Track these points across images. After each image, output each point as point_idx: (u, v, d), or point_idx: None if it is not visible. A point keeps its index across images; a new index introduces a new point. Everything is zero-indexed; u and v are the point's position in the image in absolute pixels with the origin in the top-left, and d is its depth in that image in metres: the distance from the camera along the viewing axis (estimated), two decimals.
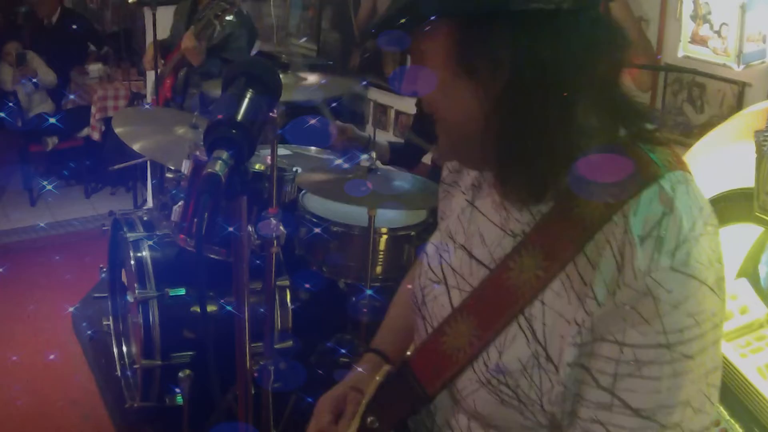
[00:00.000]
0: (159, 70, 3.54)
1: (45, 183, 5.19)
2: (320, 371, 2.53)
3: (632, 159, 0.74)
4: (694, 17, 2.12)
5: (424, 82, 0.78)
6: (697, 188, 0.75)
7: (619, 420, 0.72)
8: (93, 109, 5.16)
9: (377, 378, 0.98)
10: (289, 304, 2.36)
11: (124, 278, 2.50)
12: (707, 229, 0.72)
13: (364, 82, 3.64)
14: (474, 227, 0.90)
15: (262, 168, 1.86)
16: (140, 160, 3.57)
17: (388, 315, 1.19)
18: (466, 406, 0.86)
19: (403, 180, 2.31)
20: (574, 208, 0.75)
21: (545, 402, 0.78)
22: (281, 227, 1.51)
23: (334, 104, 2.94)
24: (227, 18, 3.10)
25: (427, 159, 2.66)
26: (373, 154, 2.28)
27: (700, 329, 0.70)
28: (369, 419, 0.95)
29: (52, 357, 3.07)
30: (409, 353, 0.98)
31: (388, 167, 2.51)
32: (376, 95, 3.67)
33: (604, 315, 0.72)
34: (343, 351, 2.59)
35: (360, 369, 1.10)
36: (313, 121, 2.42)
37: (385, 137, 3.47)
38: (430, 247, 0.99)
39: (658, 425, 0.71)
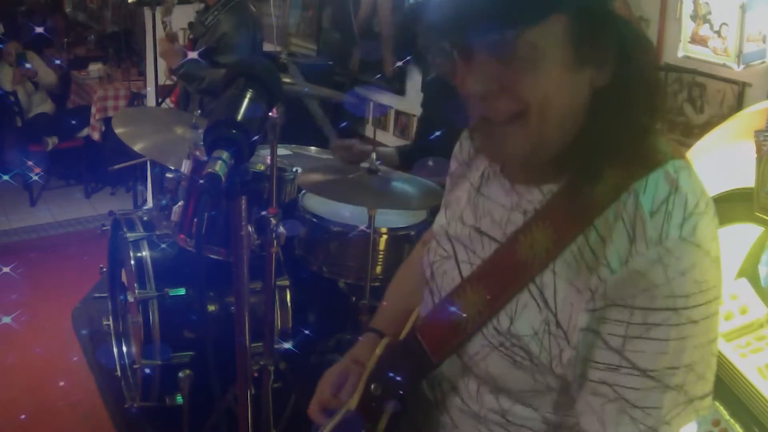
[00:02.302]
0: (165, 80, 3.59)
1: (45, 183, 5.19)
2: (320, 371, 2.53)
3: (645, 146, 0.80)
4: (694, 17, 2.12)
5: (533, 77, 0.76)
6: (696, 175, 0.81)
7: (627, 380, 0.76)
8: (93, 109, 5.17)
9: (378, 350, 1.02)
10: (289, 304, 2.36)
11: (124, 278, 2.50)
12: (708, 209, 0.78)
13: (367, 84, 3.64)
14: (483, 210, 0.94)
15: (262, 168, 1.86)
16: (140, 160, 3.57)
17: (387, 297, 1.23)
18: (478, 370, 0.90)
19: (403, 180, 2.31)
20: (584, 186, 0.80)
21: (555, 365, 0.82)
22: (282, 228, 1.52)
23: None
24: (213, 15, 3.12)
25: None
26: (374, 155, 2.28)
27: (705, 297, 0.75)
28: (372, 386, 0.98)
29: (52, 357, 3.07)
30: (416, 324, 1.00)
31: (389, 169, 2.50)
32: (376, 95, 3.67)
33: (617, 281, 0.76)
34: (343, 351, 2.59)
35: (358, 345, 1.15)
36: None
37: (386, 140, 3.48)
38: (436, 228, 1.03)
39: (662, 386, 0.75)
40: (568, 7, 0.74)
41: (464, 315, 0.88)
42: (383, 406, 0.96)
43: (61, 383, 2.90)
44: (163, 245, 2.32)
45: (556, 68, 0.76)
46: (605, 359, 0.77)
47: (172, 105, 3.85)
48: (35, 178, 5.09)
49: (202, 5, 3.36)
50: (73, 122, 5.32)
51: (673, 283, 0.73)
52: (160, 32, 3.49)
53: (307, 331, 2.46)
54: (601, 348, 0.77)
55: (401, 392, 0.96)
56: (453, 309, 0.90)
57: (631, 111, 0.79)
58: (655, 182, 0.77)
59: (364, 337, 1.17)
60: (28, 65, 5.20)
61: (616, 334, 0.76)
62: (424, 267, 1.02)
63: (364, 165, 2.28)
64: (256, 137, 0.87)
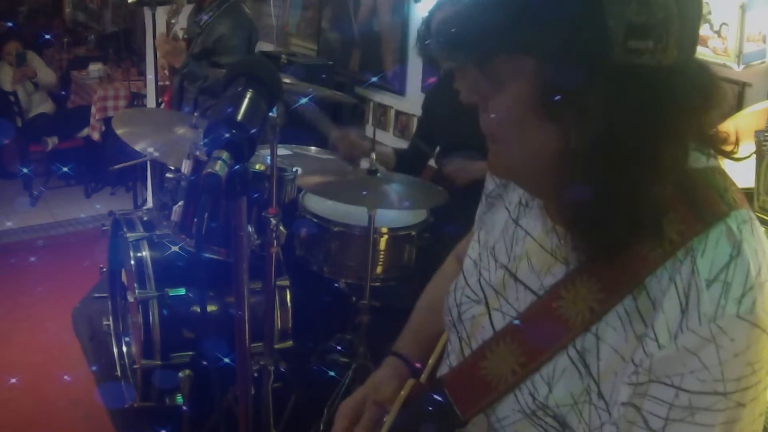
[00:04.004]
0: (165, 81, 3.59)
1: (45, 183, 5.19)
2: (320, 371, 2.53)
3: (702, 195, 0.72)
4: None
5: (498, 112, 0.73)
6: (760, 228, 0.74)
7: None
8: (93, 109, 5.17)
9: (402, 393, 0.95)
10: (289, 304, 2.36)
11: (124, 278, 2.50)
12: None
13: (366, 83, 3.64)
14: (520, 249, 0.86)
15: (262, 168, 1.86)
16: (141, 160, 3.57)
17: (412, 319, 1.15)
18: None
19: (403, 180, 2.31)
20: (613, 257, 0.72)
21: None
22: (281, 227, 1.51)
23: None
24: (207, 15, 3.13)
25: (431, 163, 2.65)
26: (374, 156, 2.28)
27: (756, 378, 0.69)
28: None
29: (52, 357, 3.07)
30: (443, 372, 0.94)
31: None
32: (376, 95, 3.67)
33: (664, 358, 0.69)
34: (343, 351, 2.59)
35: (381, 374, 1.07)
36: None
37: (386, 140, 3.48)
38: (467, 261, 0.96)
39: None
40: (530, 50, 0.68)
41: (496, 374, 0.82)
42: None
43: (61, 383, 2.90)
44: (163, 245, 2.32)
45: (518, 104, 0.71)
46: None
47: (164, 105, 3.85)
48: (32, 175, 5.10)
49: (193, 5, 3.38)
50: (73, 122, 5.33)
51: (724, 365, 0.67)
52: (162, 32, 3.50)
53: (307, 331, 2.46)
54: (640, 426, 0.71)
55: None
56: (484, 365, 0.83)
57: (625, 173, 0.68)
58: (715, 241, 0.69)
59: (387, 365, 1.08)
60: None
61: (657, 414, 0.70)
62: (449, 307, 0.94)
63: (364, 165, 2.28)
64: (256, 137, 0.87)
